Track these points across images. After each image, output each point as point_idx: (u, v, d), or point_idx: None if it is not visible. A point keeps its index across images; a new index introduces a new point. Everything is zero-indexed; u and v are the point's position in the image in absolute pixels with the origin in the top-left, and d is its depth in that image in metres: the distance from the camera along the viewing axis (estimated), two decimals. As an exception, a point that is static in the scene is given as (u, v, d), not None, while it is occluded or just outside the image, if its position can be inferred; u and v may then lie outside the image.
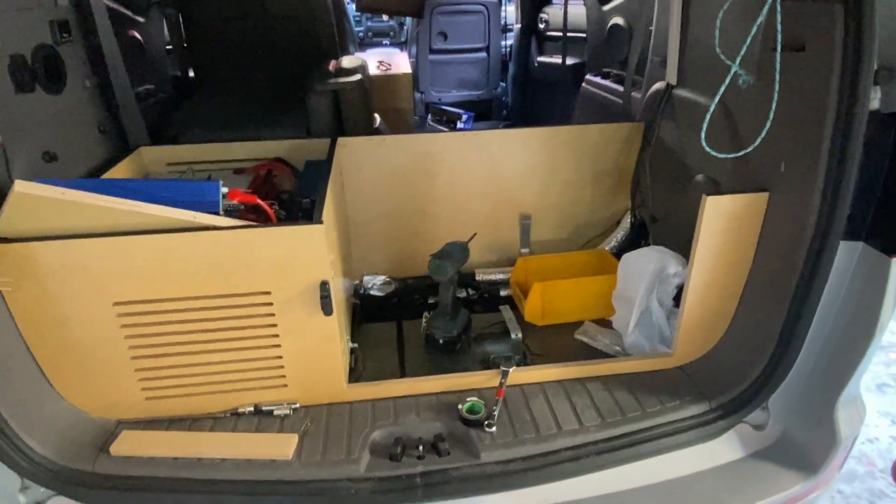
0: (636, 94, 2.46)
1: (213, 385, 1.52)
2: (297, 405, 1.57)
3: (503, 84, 4.99)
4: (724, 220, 1.52)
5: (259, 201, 1.49)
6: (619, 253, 2.23)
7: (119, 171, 1.86)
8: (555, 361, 1.71)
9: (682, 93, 1.98)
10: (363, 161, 2.15)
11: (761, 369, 1.52)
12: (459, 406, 1.53)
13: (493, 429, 1.47)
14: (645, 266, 1.79)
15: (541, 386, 1.64)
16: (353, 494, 1.36)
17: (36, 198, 1.17)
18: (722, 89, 1.38)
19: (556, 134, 2.24)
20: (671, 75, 2.01)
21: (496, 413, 1.51)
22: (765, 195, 1.50)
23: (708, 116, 1.41)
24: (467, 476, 1.39)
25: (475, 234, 1.99)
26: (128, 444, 1.44)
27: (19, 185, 1.16)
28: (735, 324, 1.64)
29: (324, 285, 1.42)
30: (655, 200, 2.14)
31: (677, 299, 1.81)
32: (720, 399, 1.57)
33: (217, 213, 1.39)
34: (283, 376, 1.54)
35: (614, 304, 1.92)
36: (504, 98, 4.97)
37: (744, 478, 1.53)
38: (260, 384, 1.54)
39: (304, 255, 1.40)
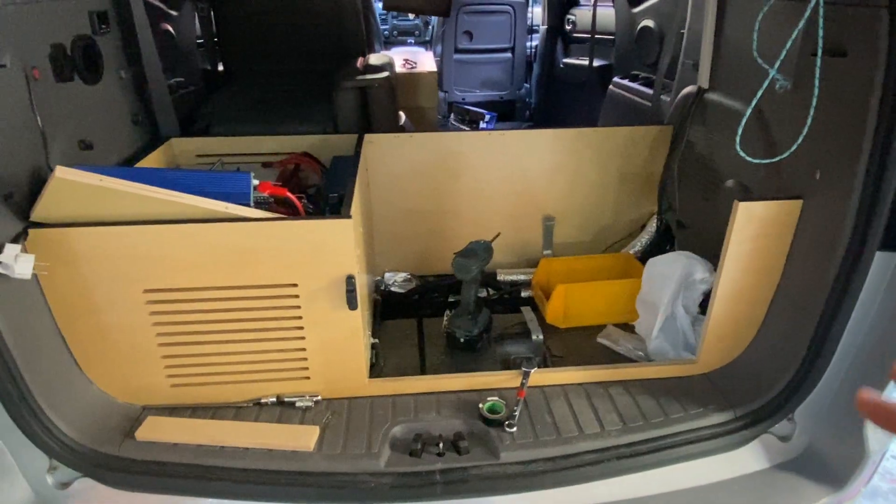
0: (665, 98, 2.44)
1: (238, 375, 1.54)
2: (319, 398, 1.58)
3: (527, 85, 4.97)
4: (755, 226, 1.49)
5: (289, 194, 1.50)
6: (643, 257, 2.22)
7: (150, 162, 1.89)
8: (576, 364, 1.70)
9: (713, 97, 1.95)
10: (389, 158, 2.16)
11: (788, 379, 1.49)
12: (480, 405, 1.53)
13: (514, 429, 1.47)
14: (671, 271, 1.77)
15: (562, 388, 1.63)
16: (373, 489, 1.36)
17: (75, 184, 1.20)
18: (759, 93, 1.36)
19: (583, 136, 2.23)
20: (703, 79, 1.98)
21: (517, 413, 1.50)
22: (798, 202, 1.47)
23: (743, 121, 1.39)
24: (487, 475, 1.39)
25: (499, 233, 1.99)
26: (153, 430, 1.46)
27: (60, 171, 1.19)
28: (763, 332, 1.62)
29: (350, 280, 1.42)
30: (682, 205, 2.11)
31: (703, 306, 1.79)
32: (745, 408, 1.55)
33: (248, 205, 1.40)
34: (306, 368, 1.56)
35: (638, 308, 1.90)
36: (528, 99, 4.95)
37: (767, 489, 1.51)
38: (283, 375, 1.56)
39: (332, 249, 1.40)
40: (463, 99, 4.82)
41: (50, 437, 1.34)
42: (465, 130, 4.57)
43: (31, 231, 1.30)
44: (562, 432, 1.48)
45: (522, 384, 1.59)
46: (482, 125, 4.53)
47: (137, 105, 1.96)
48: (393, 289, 2.28)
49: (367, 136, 2.10)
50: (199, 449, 1.42)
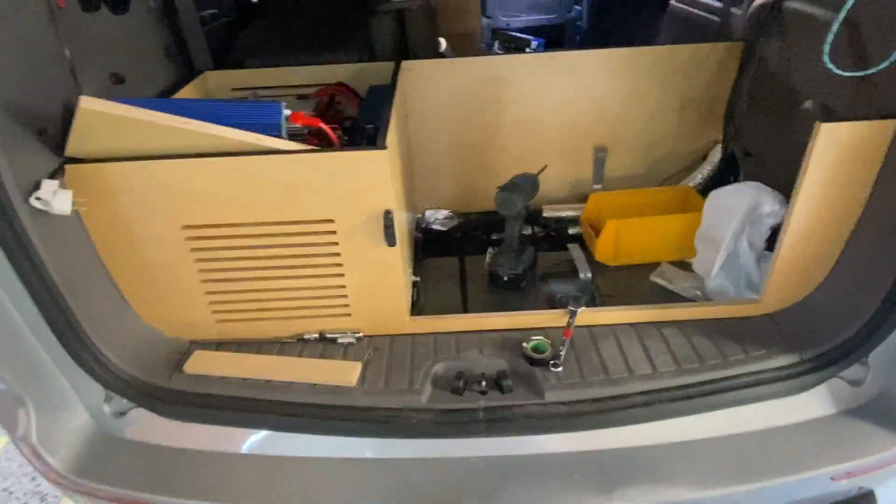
0: (737, 10, 2.17)
1: (280, 311, 1.53)
2: (361, 334, 1.56)
3: (578, 7, 4.61)
4: (838, 151, 1.32)
5: (322, 125, 1.43)
6: (704, 190, 2.06)
7: (183, 95, 1.84)
8: (626, 304, 1.60)
9: (794, 5, 1.71)
10: (428, 86, 2.04)
11: (865, 321, 1.36)
12: (524, 344, 1.47)
13: (560, 369, 1.42)
14: (737, 203, 1.62)
15: (612, 329, 1.55)
16: (416, 424, 1.35)
17: (102, 115, 1.16)
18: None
19: (640, 56, 2.03)
20: (783, -16, 1.74)
21: (563, 353, 1.45)
22: (892, 123, 1.29)
23: (835, 27, 1.19)
24: (531, 414, 1.35)
25: (545, 166, 1.87)
26: (200, 364, 1.49)
27: (85, 102, 1.15)
28: (838, 269, 1.47)
29: (387, 215, 1.36)
30: (751, 131, 1.92)
31: (770, 242, 1.64)
32: (813, 350, 1.44)
33: (280, 136, 1.34)
34: (347, 305, 1.53)
35: (697, 245, 1.77)
36: (578, 23, 4.60)
37: (832, 435, 1.41)
38: (324, 312, 1.54)
39: (367, 182, 1.34)
40: (508, 24, 4.53)
41: (103, 369, 1.38)
42: (510, 59, 4.31)
43: (67, 166, 1.28)
44: (610, 373, 1.42)
45: (569, 323, 1.52)
46: (528, 52, 4.26)
47: (169, 37, 1.89)
48: (434, 227, 2.22)
49: (405, 63, 1.98)
50: (245, 382, 1.44)
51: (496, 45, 4.48)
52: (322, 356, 1.52)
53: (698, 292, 1.71)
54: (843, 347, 1.40)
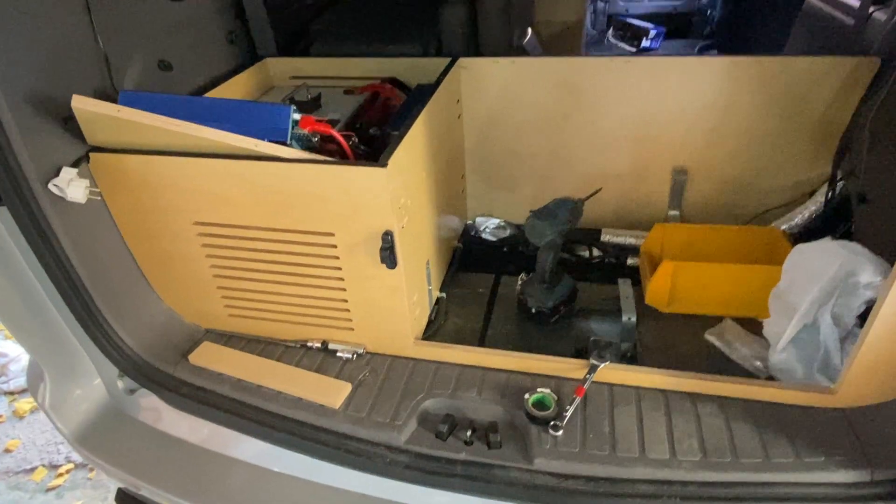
0: (880, 15, 1.73)
1: (285, 315, 1.50)
2: (363, 351, 1.49)
3: (713, -9, 4.07)
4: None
5: (333, 132, 1.34)
6: (802, 236, 1.71)
7: (241, 81, 1.86)
8: (667, 364, 1.36)
9: (954, 15, 1.31)
10: (487, 87, 1.88)
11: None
12: (526, 396, 1.31)
13: (559, 433, 1.24)
14: (822, 266, 1.30)
15: (637, 392, 1.34)
16: (388, 464, 1.26)
17: (92, 114, 1.17)
18: None
19: (741, 67, 1.70)
20: (942, -13, 1.33)
21: (567, 415, 1.26)
22: None
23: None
24: (512, 480, 1.20)
25: (599, 189, 1.64)
26: (205, 356, 1.51)
27: (75, 101, 1.16)
28: (948, 374, 1.13)
29: (386, 236, 1.26)
30: (872, 172, 1.53)
31: (864, 319, 1.30)
32: (891, 470, 1.12)
33: (285, 142, 1.27)
34: (350, 320, 1.47)
35: (771, 305, 1.46)
36: (710, 11, 4.06)
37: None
38: (328, 323, 1.49)
39: (365, 199, 1.24)
40: (627, 10, 4.12)
41: (116, 349, 1.44)
42: (624, 49, 3.94)
43: (91, 155, 1.32)
44: (618, 449, 1.21)
45: (585, 379, 1.33)
46: (645, 42, 3.86)
47: (231, 23, 1.90)
48: (484, 235, 2.08)
49: (461, 61, 1.84)
50: (239, 384, 1.44)
51: (610, 32, 4.12)
52: (320, 367, 1.47)
53: (759, 364, 1.42)
54: (935, 476, 1.08)
